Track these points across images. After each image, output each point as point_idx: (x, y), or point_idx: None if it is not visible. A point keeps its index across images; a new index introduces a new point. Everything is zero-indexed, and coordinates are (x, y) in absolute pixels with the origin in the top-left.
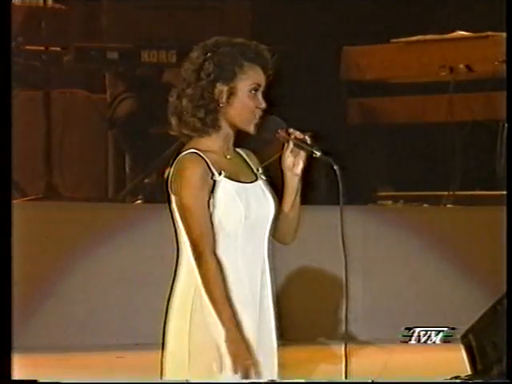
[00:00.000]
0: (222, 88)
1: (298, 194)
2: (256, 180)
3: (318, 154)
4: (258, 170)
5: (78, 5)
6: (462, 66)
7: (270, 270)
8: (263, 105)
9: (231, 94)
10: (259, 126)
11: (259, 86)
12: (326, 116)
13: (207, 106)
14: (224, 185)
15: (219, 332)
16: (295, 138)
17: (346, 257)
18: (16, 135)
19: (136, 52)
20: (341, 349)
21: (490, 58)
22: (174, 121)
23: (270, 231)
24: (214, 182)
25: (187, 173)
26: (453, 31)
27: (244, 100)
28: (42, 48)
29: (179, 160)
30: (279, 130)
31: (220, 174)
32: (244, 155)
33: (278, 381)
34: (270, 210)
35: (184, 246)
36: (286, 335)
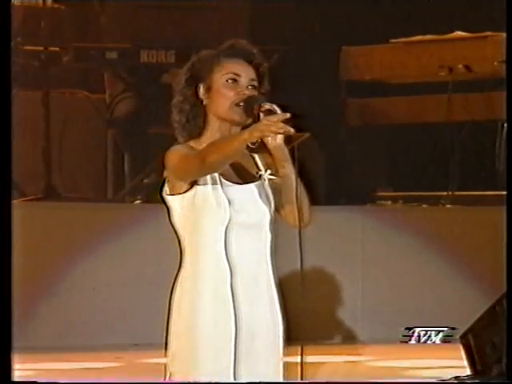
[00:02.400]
0: (201, 86)
1: (290, 168)
2: (254, 181)
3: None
4: (265, 170)
5: (77, 5)
6: (461, 66)
7: (273, 271)
8: (245, 91)
9: (208, 88)
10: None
11: (238, 75)
12: (325, 116)
13: (182, 105)
14: (207, 177)
15: (219, 331)
16: (265, 109)
17: (301, 249)
18: (16, 135)
19: (135, 52)
20: (339, 348)
21: (489, 58)
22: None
23: (272, 228)
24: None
25: (174, 151)
26: (452, 31)
27: (220, 90)
28: (41, 48)
29: (166, 153)
30: (255, 106)
31: None
32: (256, 156)
33: (278, 381)
34: (264, 212)
35: (187, 248)
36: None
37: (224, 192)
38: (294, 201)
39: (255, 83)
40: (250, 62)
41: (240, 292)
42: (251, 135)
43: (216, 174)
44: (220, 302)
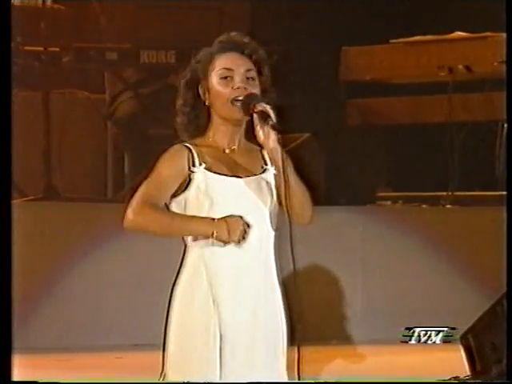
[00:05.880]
0: (200, 88)
1: (286, 169)
2: (256, 174)
3: (271, 123)
4: (272, 164)
5: (77, 5)
6: (461, 66)
7: (277, 268)
8: (238, 84)
9: (207, 88)
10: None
11: (230, 69)
12: (325, 116)
13: (184, 108)
14: (201, 176)
15: (216, 332)
16: (258, 111)
17: (292, 249)
18: (16, 135)
19: (135, 52)
20: (339, 348)
21: (488, 58)
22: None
23: (273, 225)
24: (192, 172)
25: (166, 153)
26: (452, 32)
27: (215, 88)
28: (41, 48)
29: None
30: (251, 105)
31: (200, 164)
32: (264, 152)
33: (278, 381)
34: (264, 203)
35: (189, 249)
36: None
37: (231, 185)
38: (284, 200)
39: (253, 73)
40: (242, 52)
41: (226, 292)
42: (205, 232)
43: (210, 169)
44: (205, 304)
